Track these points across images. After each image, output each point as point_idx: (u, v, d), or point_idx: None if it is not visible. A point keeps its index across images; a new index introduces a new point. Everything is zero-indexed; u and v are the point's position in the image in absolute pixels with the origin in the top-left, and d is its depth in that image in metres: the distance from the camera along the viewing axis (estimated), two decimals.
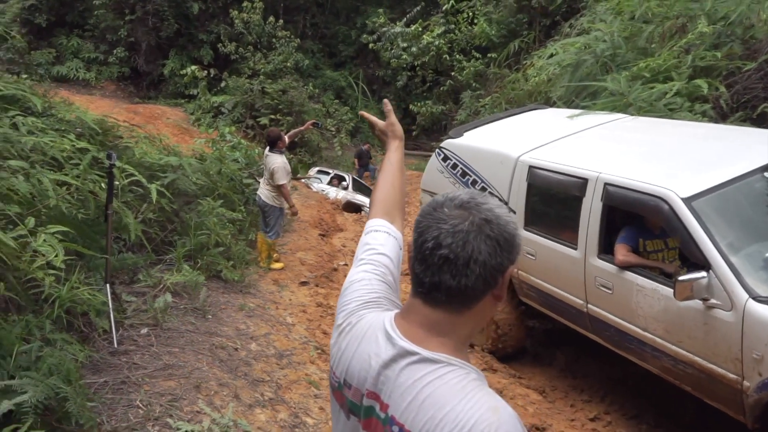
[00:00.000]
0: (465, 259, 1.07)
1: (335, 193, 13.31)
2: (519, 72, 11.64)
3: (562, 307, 4.87)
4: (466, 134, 6.15)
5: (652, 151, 4.68)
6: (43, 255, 3.02)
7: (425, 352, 1.10)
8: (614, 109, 6.29)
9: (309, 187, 13.41)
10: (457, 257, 1.07)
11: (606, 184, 4.24)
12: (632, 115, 5.91)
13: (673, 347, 3.79)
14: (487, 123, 6.54)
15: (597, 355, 5.26)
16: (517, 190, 5.15)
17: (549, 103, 9.65)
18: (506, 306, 5.53)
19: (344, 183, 13.90)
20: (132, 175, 5.28)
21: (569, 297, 4.69)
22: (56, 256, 3.04)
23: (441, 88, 16.68)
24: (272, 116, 18.31)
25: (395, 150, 1.67)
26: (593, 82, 6.77)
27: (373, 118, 1.76)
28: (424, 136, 22.09)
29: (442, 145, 6.26)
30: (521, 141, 5.47)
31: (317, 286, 7.02)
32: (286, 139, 7.24)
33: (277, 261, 7.31)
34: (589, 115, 5.90)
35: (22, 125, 4.51)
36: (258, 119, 18.41)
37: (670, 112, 5.94)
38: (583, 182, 4.43)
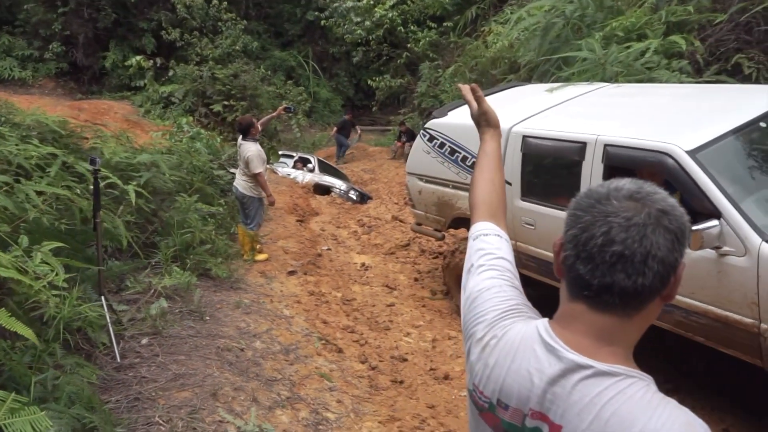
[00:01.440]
0: (642, 255, 0.95)
1: (302, 176, 13.03)
2: (479, 39, 11.52)
3: None
4: (450, 113, 6.07)
5: (646, 112, 4.70)
6: (43, 276, 2.77)
7: (600, 365, 0.98)
8: (591, 75, 6.27)
9: (275, 172, 13.09)
10: (633, 253, 0.95)
11: (606, 145, 4.23)
12: (611, 81, 5.92)
13: (686, 299, 3.82)
14: None
15: None
16: (511, 161, 5.08)
17: (515, 69, 9.63)
18: None
19: (310, 165, 13.61)
20: (106, 177, 4.98)
21: None
22: (57, 275, 2.80)
23: (398, 61, 16.42)
24: (225, 102, 17.70)
25: (490, 139, 1.53)
26: (569, 52, 6.69)
27: (468, 98, 1.58)
28: (379, 112, 21.93)
29: (426, 126, 6.18)
30: (510, 114, 5.40)
31: (305, 274, 6.85)
32: (259, 126, 6.98)
33: (260, 252, 7.09)
34: (569, 86, 5.87)
35: None
36: (211, 107, 17.77)
37: (648, 71, 5.94)
38: (582, 146, 4.40)
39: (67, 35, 19.62)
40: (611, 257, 0.96)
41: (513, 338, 1.10)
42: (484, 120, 1.56)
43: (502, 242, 1.32)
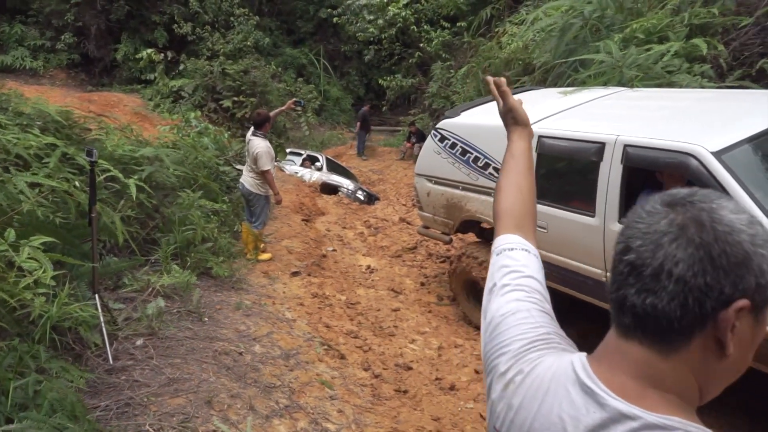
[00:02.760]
0: (654, 268, 0.78)
1: (309, 175, 12.86)
2: (493, 40, 11.31)
3: (578, 280, 4.68)
4: (463, 114, 5.91)
5: (667, 115, 4.53)
6: (30, 273, 2.60)
7: (649, 415, 0.78)
8: (608, 78, 6.07)
9: (282, 170, 12.93)
10: (643, 264, 0.79)
11: (626, 145, 4.07)
12: (628, 85, 5.73)
13: None
14: (483, 103, 6.29)
15: (606, 328, 5.10)
16: None
17: (529, 70, 9.42)
18: None
19: (318, 163, 13.42)
20: (107, 170, 4.83)
21: (586, 268, 4.50)
22: (44, 272, 2.63)
23: (410, 61, 16.22)
24: (235, 98, 17.60)
25: (518, 139, 1.35)
26: (586, 54, 6.48)
27: (496, 93, 1.42)
28: (389, 112, 21.74)
29: (438, 126, 6.01)
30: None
31: (309, 275, 6.67)
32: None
33: (264, 252, 6.92)
34: (585, 90, 5.69)
35: None
36: (220, 102, 17.67)
37: (667, 75, 5.73)
38: (600, 146, 4.24)
39: (79, 26, 19.56)
40: (625, 266, 0.82)
41: (542, 375, 0.91)
42: (511, 117, 1.39)
43: (531, 258, 1.13)
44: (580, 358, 0.90)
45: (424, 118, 16.34)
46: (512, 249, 1.14)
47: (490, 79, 1.45)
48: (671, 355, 0.81)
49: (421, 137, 15.53)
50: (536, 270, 1.11)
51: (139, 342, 3.97)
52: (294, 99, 7.22)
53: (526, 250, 1.14)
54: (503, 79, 1.42)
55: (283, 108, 7.21)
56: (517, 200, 1.24)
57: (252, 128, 6.63)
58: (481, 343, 1.08)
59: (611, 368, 0.85)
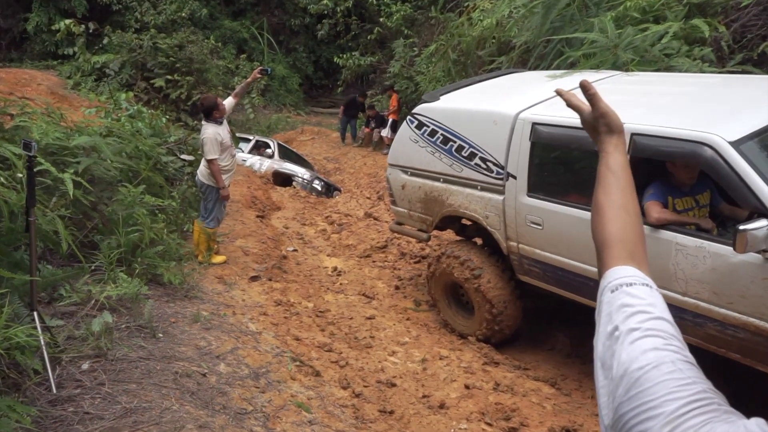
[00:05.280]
0: None
1: (260, 164, 12.57)
2: (463, 16, 11.27)
3: (577, 281, 4.68)
4: (443, 97, 5.81)
5: (674, 101, 4.55)
6: None
7: None
8: (601, 60, 6.09)
9: None
10: None
11: (633, 134, 4.04)
12: (623, 69, 5.75)
13: (722, 310, 3.72)
14: (463, 86, 6.21)
15: None
16: (517, 151, 4.86)
17: (504, 50, 9.43)
18: (498, 282, 5.33)
19: (269, 150, 13.11)
20: (37, 163, 4.52)
21: (586, 267, 4.49)
22: None
23: (368, 37, 16.04)
24: (169, 77, 17.06)
25: (614, 150, 1.25)
26: (578, 33, 6.49)
27: (575, 101, 1.33)
28: (342, 93, 21.47)
29: (414, 111, 5.89)
30: (513, 100, 5.19)
31: (270, 280, 6.48)
32: (233, 100, 6.63)
33: (217, 253, 6.69)
34: (575, 74, 5.68)
35: None
36: (152, 81, 17.08)
37: (666, 58, 5.79)
38: None
39: None
40: None
41: None
42: (603, 124, 1.28)
43: (655, 295, 1.02)
44: (761, 428, 0.79)
45: (382, 100, 16.21)
46: (631, 284, 1.03)
47: (562, 91, 1.37)
48: None
49: (381, 122, 15.36)
50: (664, 309, 1.00)
51: (86, 365, 3.73)
52: (260, 68, 6.98)
53: (647, 285, 1.04)
54: (587, 81, 1.32)
55: (249, 80, 6.97)
56: (627, 224, 1.14)
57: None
58: (606, 398, 0.95)
59: None
